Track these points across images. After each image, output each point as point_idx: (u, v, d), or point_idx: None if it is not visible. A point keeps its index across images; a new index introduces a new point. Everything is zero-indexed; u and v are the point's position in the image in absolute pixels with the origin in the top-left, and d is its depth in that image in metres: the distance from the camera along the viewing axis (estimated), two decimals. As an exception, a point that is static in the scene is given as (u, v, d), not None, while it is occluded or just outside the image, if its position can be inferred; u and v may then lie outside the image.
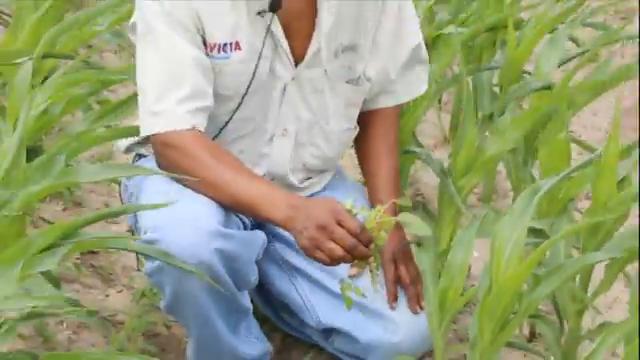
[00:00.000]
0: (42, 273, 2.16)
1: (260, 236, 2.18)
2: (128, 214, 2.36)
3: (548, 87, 2.60)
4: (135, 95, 2.41)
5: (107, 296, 2.65)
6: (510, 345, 2.29)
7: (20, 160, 2.10)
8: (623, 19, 4.27)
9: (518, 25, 2.97)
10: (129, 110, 2.50)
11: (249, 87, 2.17)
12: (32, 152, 2.22)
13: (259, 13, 2.15)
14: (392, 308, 2.22)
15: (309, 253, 1.97)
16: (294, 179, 2.32)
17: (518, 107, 2.74)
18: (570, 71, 2.69)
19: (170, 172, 2.07)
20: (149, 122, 2.14)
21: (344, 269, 2.15)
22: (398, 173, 2.39)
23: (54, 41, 2.79)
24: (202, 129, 2.12)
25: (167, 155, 2.11)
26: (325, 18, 2.19)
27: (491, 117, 2.64)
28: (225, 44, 2.16)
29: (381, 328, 2.24)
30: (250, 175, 2.10)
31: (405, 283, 2.24)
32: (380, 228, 1.95)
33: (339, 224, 1.93)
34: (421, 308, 2.19)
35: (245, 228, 2.22)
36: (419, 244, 2.23)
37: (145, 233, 2.03)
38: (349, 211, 1.95)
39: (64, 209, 2.91)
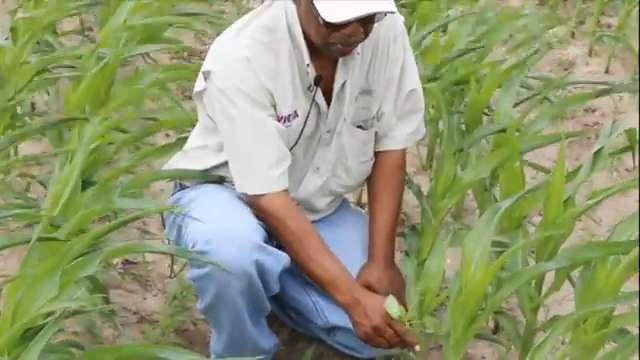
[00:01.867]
0: (90, 280, 2.17)
1: (285, 256, 2.16)
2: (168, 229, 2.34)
3: (504, 130, 2.59)
4: (175, 141, 2.42)
5: (145, 299, 2.63)
6: (478, 337, 2.27)
7: (77, 190, 2.12)
8: (565, 69, 4.26)
9: (480, 78, 2.96)
10: (170, 152, 2.49)
11: (297, 142, 2.19)
12: (86, 183, 2.23)
13: (309, 88, 2.17)
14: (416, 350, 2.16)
15: (362, 339, 2.09)
16: (318, 204, 2.32)
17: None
18: (521, 115, 2.69)
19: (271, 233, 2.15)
20: (245, 183, 2.15)
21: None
22: (396, 217, 2.33)
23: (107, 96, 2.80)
24: (286, 188, 2.15)
25: (264, 217, 2.14)
26: (339, 79, 2.19)
27: (461, 151, 2.64)
28: (289, 115, 2.17)
29: None
30: (330, 257, 2.14)
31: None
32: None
33: (389, 325, 2.03)
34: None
35: (275, 246, 2.20)
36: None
37: (195, 246, 2.06)
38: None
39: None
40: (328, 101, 2.21)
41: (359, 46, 2.17)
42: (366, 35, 2.08)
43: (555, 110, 2.65)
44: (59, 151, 2.39)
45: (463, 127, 2.86)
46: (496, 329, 2.43)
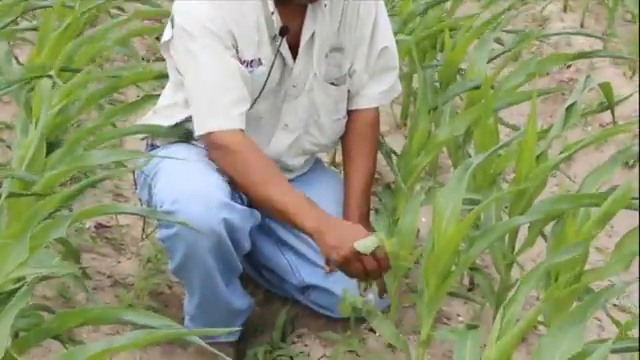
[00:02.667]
0: (62, 244, 2.16)
1: (255, 213, 2.18)
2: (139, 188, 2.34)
3: (478, 87, 2.59)
4: (143, 97, 2.40)
5: (119, 262, 2.62)
6: (452, 294, 2.29)
7: (41, 149, 2.09)
8: (540, 25, 4.26)
9: (454, 31, 2.95)
10: (138, 110, 2.48)
11: (261, 92, 2.18)
12: (54, 145, 2.21)
13: (274, 37, 2.17)
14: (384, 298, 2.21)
15: (336, 265, 2.03)
16: (291, 162, 2.32)
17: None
18: (494, 71, 2.71)
19: (221, 168, 2.13)
20: (205, 121, 2.14)
21: None
22: (371, 176, 2.34)
23: (71, 55, 2.77)
24: (244, 128, 2.14)
25: (221, 154, 2.14)
26: (307, 28, 2.20)
27: (435, 109, 2.64)
28: (252, 60, 2.17)
29: (354, 284, 2.21)
30: (292, 187, 2.13)
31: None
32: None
33: (358, 259, 1.99)
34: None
35: (243, 204, 2.20)
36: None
37: (162, 206, 2.06)
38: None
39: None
40: (296, 56, 2.21)
41: (328, 18, 2.18)
42: None
43: (531, 68, 2.64)
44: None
45: (437, 85, 2.86)
46: (471, 286, 2.44)
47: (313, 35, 2.20)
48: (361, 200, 2.27)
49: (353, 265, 1.99)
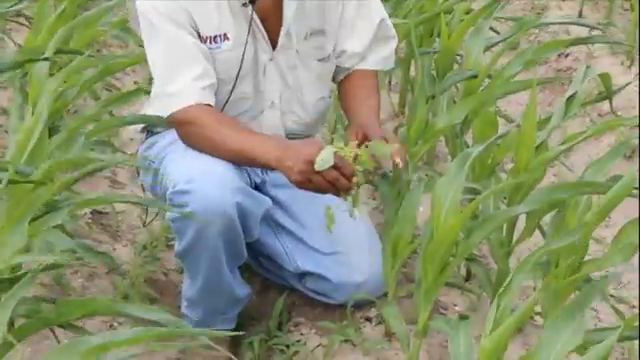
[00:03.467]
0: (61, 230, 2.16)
1: (267, 200, 2.20)
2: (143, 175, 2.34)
3: (475, 76, 2.59)
4: (138, 88, 2.39)
5: (114, 250, 2.61)
6: (449, 285, 2.29)
7: (43, 137, 2.08)
8: (538, 14, 4.26)
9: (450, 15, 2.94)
10: (135, 99, 2.48)
11: (239, 71, 2.18)
12: (51, 131, 2.20)
13: (243, 5, 2.15)
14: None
15: (299, 185, 1.98)
16: None
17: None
18: (491, 60, 2.69)
19: (191, 146, 2.12)
20: (168, 102, 2.14)
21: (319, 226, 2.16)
22: (378, 110, 2.32)
23: (67, 38, 2.76)
24: (212, 104, 2.14)
25: (184, 130, 2.14)
26: (288, 10, 2.19)
27: (433, 97, 2.64)
28: (215, 36, 2.16)
29: (348, 270, 2.26)
30: (247, 131, 2.13)
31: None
32: (358, 161, 1.94)
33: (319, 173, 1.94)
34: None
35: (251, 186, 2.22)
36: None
37: (176, 186, 2.06)
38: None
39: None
40: (271, 28, 2.20)
41: None
42: None
43: (528, 56, 2.64)
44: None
45: (434, 73, 2.86)
46: (468, 276, 2.44)
47: (294, 12, 2.19)
48: (373, 113, 2.25)
49: (315, 179, 1.94)
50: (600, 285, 1.59)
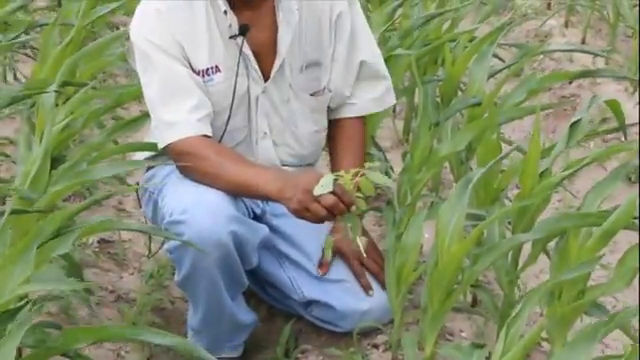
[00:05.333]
0: (65, 259, 2.16)
1: (263, 227, 2.20)
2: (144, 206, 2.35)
3: (479, 103, 2.60)
4: (143, 114, 2.40)
5: (121, 278, 2.63)
6: (456, 310, 2.28)
7: (45, 166, 2.09)
8: (541, 41, 4.27)
9: (454, 44, 2.96)
10: (139, 126, 2.49)
11: (233, 101, 2.18)
12: (57, 161, 2.21)
13: (232, 37, 2.15)
14: (370, 295, 2.23)
15: (298, 214, 1.98)
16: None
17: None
18: (496, 87, 2.70)
19: (189, 177, 2.11)
20: (165, 134, 2.14)
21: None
22: (362, 161, 2.33)
23: (73, 70, 2.78)
24: (209, 134, 2.14)
25: (183, 161, 2.12)
26: (282, 42, 2.19)
27: (437, 125, 2.64)
28: (207, 69, 2.17)
29: (354, 299, 2.26)
30: (246, 162, 2.13)
31: (374, 272, 2.25)
32: (358, 189, 1.92)
33: (317, 200, 1.93)
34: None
35: (249, 216, 2.22)
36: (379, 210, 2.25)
37: (171, 216, 2.05)
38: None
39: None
40: (265, 60, 2.20)
41: (296, 12, 2.18)
42: None
43: (532, 85, 2.65)
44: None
45: (438, 100, 2.87)
46: (474, 302, 2.44)
47: (289, 43, 2.19)
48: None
49: (313, 207, 1.93)
50: (615, 318, 1.59)
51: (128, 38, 2.28)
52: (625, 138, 2.71)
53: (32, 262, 1.68)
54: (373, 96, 2.36)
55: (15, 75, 3.29)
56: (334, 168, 2.31)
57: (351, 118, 2.36)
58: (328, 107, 2.34)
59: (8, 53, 3.27)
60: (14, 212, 1.85)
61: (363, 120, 2.40)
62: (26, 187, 2.03)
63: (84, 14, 3.03)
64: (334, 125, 2.37)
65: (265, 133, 2.26)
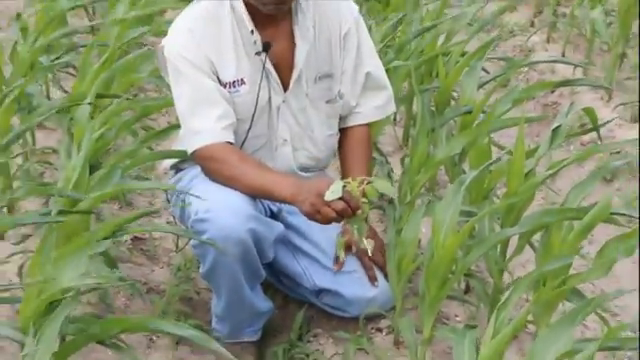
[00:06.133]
0: (102, 255, 2.17)
1: (279, 225, 2.20)
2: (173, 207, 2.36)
3: (470, 112, 2.60)
4: (171, 125, 2.41)
5: (152, 271, 2.62)
6: (450, 297, 2.28)
7: (84, 172, 2.10)
8: (526, 55, 4.27)
9: (447, 57, 2.95)
10: (168, 136, 2.50)
11: (255, 111, 2.17)
12: (94, 167, 2.22)
13: (257, 54, 2.15)
14: (375, 286, 2.23)
15: (310, 216, 1.97)
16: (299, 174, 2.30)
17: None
18: (484, 96, 2.69)
19: (213, 180, 2.11)
20: (192, 141, 2.14)
21: (332, 247, 2.20)
22: (369, 163, 2.37)
23: (108, 85, 2.80)
24: (232, 141, 2.14)
25: (208, 166, 2.13)
26: (299, 55, 2.19)
27: (433, 131, 2.64)
28: (234, 81, 2.16)
29: (361, 288, 2.26)
30: (265, 168, 2.12)
31: (380, 266, 2.25)
32: (364, 195, 1.91)
33: (327, 204, 1.92)
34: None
35: (266, 215, 2.22)
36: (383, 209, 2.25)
37: (196, 214, 2.05)
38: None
39: (120, 207, 2.88)
40: (283, 72, 2.20)
41: (311, 29, 2.18)
42: None
43: (518, 94, 2.64)
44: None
45: (434, 109, 2.87)
46: (467, 290, 2.44)
47: (305, 57, 2.19)
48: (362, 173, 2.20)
49: (324, 210, 1.92)
50: (592, 302, 1.58)
51: (157, 55, 2.28)
52: (599, 139, 2.70)
53: (85, 262, 1.70)
54: (376, 104, 2.35)
55: (58, 91, 3.29)
56: (345, 171, 2.31)
57: (358, 126, 2.35)
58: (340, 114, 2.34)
59: (52, 72, 3.28)
60: (60, 213, 1.86)
61: (368, 127, 2.39)
62: (67, 193, 2.04)
63: (118, 37, 3.05)
64: (343, 133, 2.36)
65: (285, 140, 2.25)
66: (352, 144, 2.35)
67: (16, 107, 2.71)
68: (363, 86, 2.30)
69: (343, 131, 2.36)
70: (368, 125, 2.38)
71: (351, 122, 2.35)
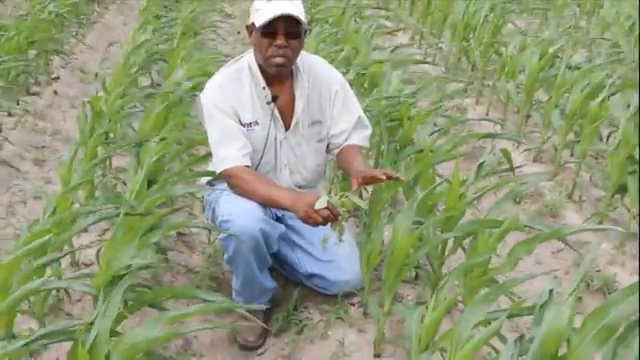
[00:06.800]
0: (156, 245, 2.16)
1: (281, 226, 2.18)
2: (206, 211, 2.33)
3: (422, 150, 2.59)
4: (207, 153, 2.40)
5: (191, 257, 2.62)
6: (404, 282, 2.29)
7: (144, 185, 2.11)
8: (462, 113, 4.28)
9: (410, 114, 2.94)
10: (204, 162, 2.49)
11: (265, 145, 2.16)
12: (152, 182, 2.22)
13: (267, 103, 2.15)
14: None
15: (304, 220, 1.95)
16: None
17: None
18: (432, 141, 2.68)
19: (236, 192, 2.09)
20: (220, 164, 2.12)
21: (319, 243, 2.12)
22: (365, 160, 2.26)
23: (165, 123, 2.78)
24: (249, 165, 2.12)
25: (231, 182, 2.12)
26: (298, 107, 2.19)
27: (395, 162, 2.64)
28: (250, 122, 2.15)
29: (338, 271, 2.25)
30: (272, 185, 2.11)
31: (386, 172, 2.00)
32: (342, 206, 1.91)
33: (316, 212, 1.91)
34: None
35: (272, 218, 2.20)
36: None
37: (222, 217, 2.04)
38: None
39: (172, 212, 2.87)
40: (286, 118, 2.18)
41: (307, 87, 2.16)
42: (291, 48, 2.06)
43: (455, 141, 2.65)
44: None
45: (397, 147, 2.86)
46: (416, 277, 2.44)
47: (302, 108, 2.19)
48: (361, 162, 2.16)
49: (314, 216, 1.90)
50: (504, 286, 1.58)
51: (197, 103, 2.29)
52: (513, 174, 2.71)
53: (136, 246, 1.69)
54: (363, 136, 2.31)
55: (132, 127, 3.29)
56: (350, 168, 2.17)
57: (350, 144, 2.28)
58: (334, 143, 2.29)
59: (128, 116, 3.27)
60: (126, 214, 1.86)
61: (359, 146, 2.31)
62: (132, 199, 2.04)
63: (173, 91, 3.03)
64: (341, 152, 2.28)
65: (285, 165, 2.24)
66: (349, 152, 2.26)
67: (102, 140, 2.71)
68: (355, 124, 2.29)
69: (341, 151, 2.28)
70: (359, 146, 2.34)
71: (346, 144, 2.30)
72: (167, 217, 2.12)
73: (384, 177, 1.94)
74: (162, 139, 2.44)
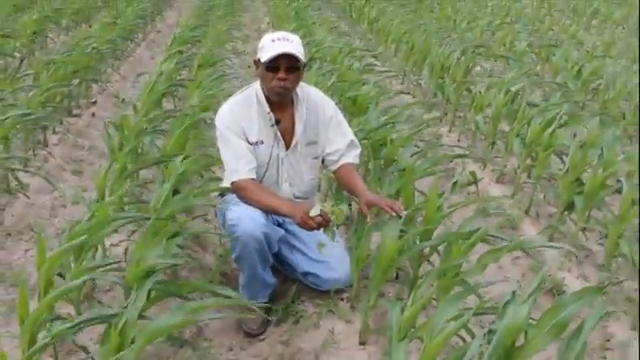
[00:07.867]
0: (179, 247, 2.14)
1: (281, 230, 2.17)
2: (218, 217, 2.33)
3: (404, 169, 2.58)
4: (220, 177, 2.40)
5: (204, 256, 2.60)
6: (387, 281, 2.28)
7: (169, 195, 2.12)
8: (437, 139, 4.30)
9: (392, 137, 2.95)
10: (218, 181, 2.48)
11: (269, 161, 2.16)
12: (175, 192, 2.22)
13: (271, 126, 2.15)
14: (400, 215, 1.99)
15: (301, 226, 1.95)
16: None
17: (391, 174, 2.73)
18: (414, 160, 2.69)
19: (243, 201, 2.08)
20: (230, 176, 2.12)
21: (315, 246, 2.14)
22: (362, 181, 2.24)
23: (185, 142, 2.77)
24: (255, 178, 2.12)
25: (239, 193, 2.11)
26: (297, 130, 2.19)
27: (380, 179, 2.65)
28: (256, 141, 2.15)
29: (330, 271, 2.24)
30: (274, 195, 2.10)
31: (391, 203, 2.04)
32: (333, 213, 1.91)
33: (311, 218, 1.91)
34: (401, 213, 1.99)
35: (273, 224, 2.20)
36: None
37: (231, 221, 2.03)
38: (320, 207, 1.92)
39: (193, 219, 2.85)
40: (287, 139, 2.18)
41: (305, 113, 2.15)
42: (290, 80, 2.06)
43: (432, 161, 2.67)
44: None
45: (382, 166, 2.87)
46: (396, 277, 2.44)
47: (301, 131, 2.19)
48: (362, 185, 2.17)
49: (309, 222, 1.90)
50: (473, 288, 1.59)
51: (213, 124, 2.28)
52: (477, 190, 2.70)
53: (162, 246, 1.69)
54: (355, 154, 2.30)
55: (156, 145, 3.28)
56: (355, 189, 2.16)
57: (346, 163, 2.27)
58: (330, 160, 2.28)
59: (152, 135, 3.27)
60: (155, 219, 1.86)
61: (354, 164, 2.31)
62: (159, 207, 2.04)
63: (192, 114, 3.04)
64: (339, 169, 2.26)
65: (285, 179, 2.24)
66: (349, 174, 2.25)
67: (130, 156, 2.70)
68: (348, 145, 2.29)
69: (338, 169, 2.27)
70: (354, 164, 2.34)
71: (342, 162, 2.28)
72: (188, 222, 2.14)
73: (390, 211, 1.97)
74: (185, 157, 2.44)
